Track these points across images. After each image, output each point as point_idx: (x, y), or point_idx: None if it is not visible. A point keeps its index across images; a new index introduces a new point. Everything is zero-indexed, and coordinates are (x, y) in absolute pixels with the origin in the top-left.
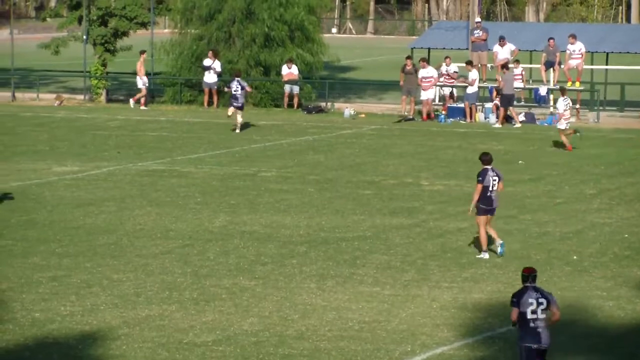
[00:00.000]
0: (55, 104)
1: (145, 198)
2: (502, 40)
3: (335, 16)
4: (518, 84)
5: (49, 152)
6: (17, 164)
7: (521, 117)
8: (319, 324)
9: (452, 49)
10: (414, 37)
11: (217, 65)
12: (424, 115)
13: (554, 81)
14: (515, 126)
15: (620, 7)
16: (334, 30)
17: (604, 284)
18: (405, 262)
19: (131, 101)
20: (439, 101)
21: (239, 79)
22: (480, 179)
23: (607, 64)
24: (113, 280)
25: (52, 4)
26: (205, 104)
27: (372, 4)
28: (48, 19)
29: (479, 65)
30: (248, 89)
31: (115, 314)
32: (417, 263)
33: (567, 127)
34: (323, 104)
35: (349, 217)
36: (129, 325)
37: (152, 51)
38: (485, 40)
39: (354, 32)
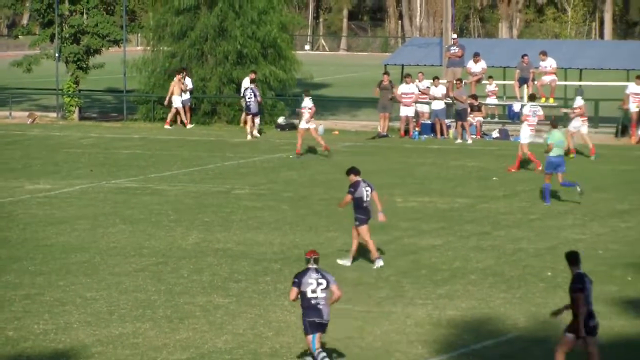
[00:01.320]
0: (28, 122)
1: (118, 216)
2: (476, 57)
3: (309, 33)
4: (492, 100)
5: (22, 170)
6: None
7: (495, 134)
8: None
9: (425, 65)
10: (387, 53)
11: (188, 82)
12: (402, 132)
13: (527, 98)
14: (467, 142)
15: (594, 24)
16: (307, 47)
17: None
18: (379, 278)
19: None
20: (414, 118)
21: (252, 86)
22: (352, 190)
23: (580, 80)
24: (86, 299)
25: (24, 21)
26: (179, 121)
27: (345, 21)
28: (20, 37)
29: (454, 82)
30: (259, 98)
31: (89, 332)
32: (391, 280)
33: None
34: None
35: (322, 234)
36: (103, 344)
37: (125, 69)
38: (460, 57)
39: (327, 49)
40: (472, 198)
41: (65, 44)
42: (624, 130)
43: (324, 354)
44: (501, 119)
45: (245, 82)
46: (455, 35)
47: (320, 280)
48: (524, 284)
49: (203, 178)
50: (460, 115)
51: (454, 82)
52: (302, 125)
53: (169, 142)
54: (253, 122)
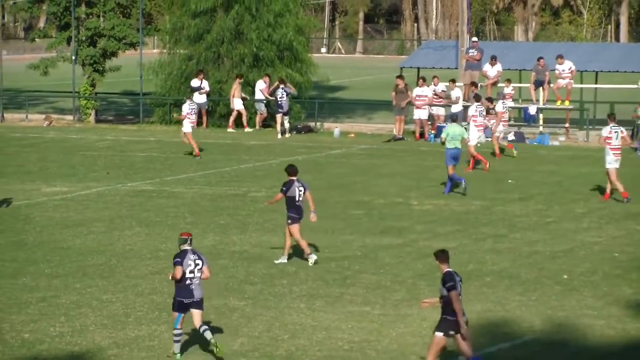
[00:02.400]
0: (45, 125)
1: (134, 218)
2: (493, 60)
3: (325, 36)
4: (508, 102)
5: (38, 172)
6: (6, 184)
7: (511, 137)
8: (309, 344)
9: (441, 68)
10: (403, 56)
11: (205, 85)
12: (417, 135)
13: (543, 100)
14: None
15: (610, 26)
16: (323, 50)
17: (595, 303)
18: (395, 281)
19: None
20: (429, 120)
21: (283, 85)
22: (285, 189)
23: (596, 83)
24: (102, 301)
25: (41, 24)
26: (195, 124)
27: (361, 23)
28: (37, 40)
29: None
30: (293, 90)
31: (105, 334)
32: (407, 282)
33: (502, 136)
34: (312, 124)
35: (338, 237)
36: (119, 346)
37: (141, 72)
38: (479, 60)
39: (343, 51)
40: (487, 200)
41: (81, 47)
42: None
43: (205, 326)
44: (517, 122)
45: (259, 85)
46: (475, 39)
47: (197, 261)
48: (539, 287)
49: (219, 181)
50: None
51: (469, 86)
52: (187, 129)
53: (185, 145)
54: (283, 121)
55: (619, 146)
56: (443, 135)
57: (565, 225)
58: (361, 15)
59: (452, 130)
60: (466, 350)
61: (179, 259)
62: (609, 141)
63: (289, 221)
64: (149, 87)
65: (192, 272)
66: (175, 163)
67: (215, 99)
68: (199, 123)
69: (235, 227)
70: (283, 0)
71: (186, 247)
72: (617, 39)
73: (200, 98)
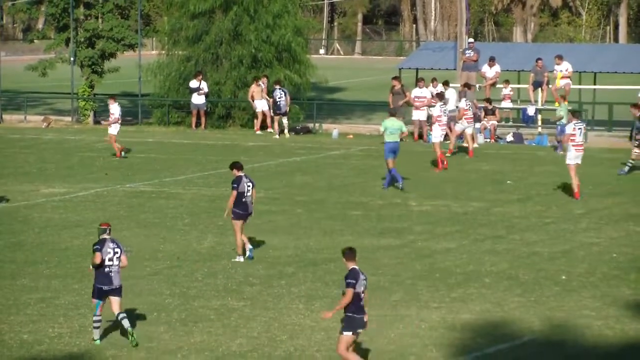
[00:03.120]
0: (43, 126)
1: (133, 219)
2: (491, 61)
3: (323, 37)
4: (507, 103)
5: (37, 173)
6: (5, 185)
7: (509, 137)
8: (308, 344)
9: (440, 69)
10: (402, 57)
11: (204, 86)
12: (415, 136)
13: (541, 101)
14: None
15: (608, 27)
16: (322, 51)
17: (593, 303)
18: (394, 282)
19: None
20: (427, 121)
21: (279, 87)
22: (235, 185)
23: (595, 84)
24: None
25: (40, 25)
26: (193, 125)
27: (359, 24)
28: (35, 41)
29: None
30: (289, 97)
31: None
32: (406, 283)
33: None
34: (311, 125)
35: (337, 238)
36: (117, 347)
37: (140, 73)
38: (476, 60)
39: (341, 52)
40: (486, 202)
41: (80, 48)
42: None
43: (123, 314)
44: (515, 123)
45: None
46: (472, 39)
47: (116, 250)
48: (538, 288)
49: (218, 182)
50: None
51: (462, 86)
52: (112, 130)
53: (184, 146)
54: (280, 121)
55: (582, 142)
56: (381, 129)
57: (563, 226)
58: (360, 16)
59: (390, 124)
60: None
61: (98, 247)
62: (573, 138)
63: (233, 216)
64: (148, 88)
65: (111, 259)
66: (174, 164)
67: (214, 100)
68: (197, 124)
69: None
70: (282, 2)
71: (105, 236)
72: (616, 40)
73: (198, 99)
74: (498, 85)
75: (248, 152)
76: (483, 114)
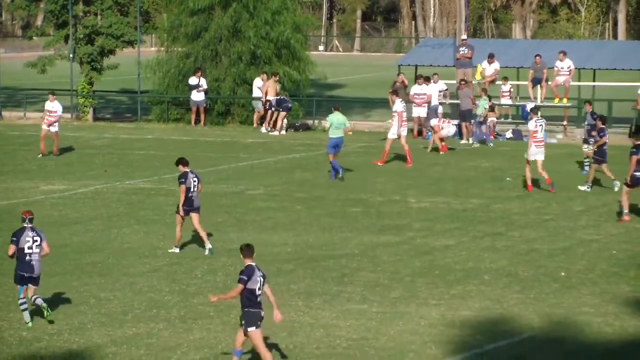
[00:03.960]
0: (43, 123)
1: (132, 216)
2: (490, 58)
3: (322, 34)
4: (506, 100)
5: (36, 170)
6: (4, 182)
7: (508, 134)
8: (307, 341)
9: (439, 65)
10: (401, 54)
11: (203, 83)
12: (415, 132)
13: (541, 98)
14: (473, 144)
15: (607, 24)
16: (321, 47)
17: (592, 300)
18: (393, 279)
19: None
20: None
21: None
22: (183, 180)
23: (594, 81)
24: (100, 299)
25: (39, 22)
26: (193, 122)
27: (358, 21)
28: (34, 38)
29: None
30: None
31: (103, 332)
32: (405, 280)
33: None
34: (310, 122)
35: (336, 235)
36: (117, 344)
37: (139, 70)
38: (470, 57)
39: (340, 49)
40: (485, 198)
41: (79, 45)
42: (637, 130)
43: (37, 295)
44: (514, 120)
45: (257, 82)
46: (464, 36)
47: (36, 238)
48: (537, 285)
49: (217, 179)
50: (464, 116)
51: (460, 82)
52: (52, 128)
53: (183, 143)
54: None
55: (542, 138)
56: (327, 124)
57: (563, 223)
58: (359, 13)
59: (335, 119)
60: (239, 342)
61: (15, 238)
62: (535, 135)
63: (177, 209)
64: (147, 85)
65: (30, 248)
66: (173, 161)
67: (213, 97)
68: (197, 121)
69: (233, 225)
70: None
71: (25, 225)
72: (615, 36)
73: (198, 96)
74: (497, 82)
75: (247, 148)
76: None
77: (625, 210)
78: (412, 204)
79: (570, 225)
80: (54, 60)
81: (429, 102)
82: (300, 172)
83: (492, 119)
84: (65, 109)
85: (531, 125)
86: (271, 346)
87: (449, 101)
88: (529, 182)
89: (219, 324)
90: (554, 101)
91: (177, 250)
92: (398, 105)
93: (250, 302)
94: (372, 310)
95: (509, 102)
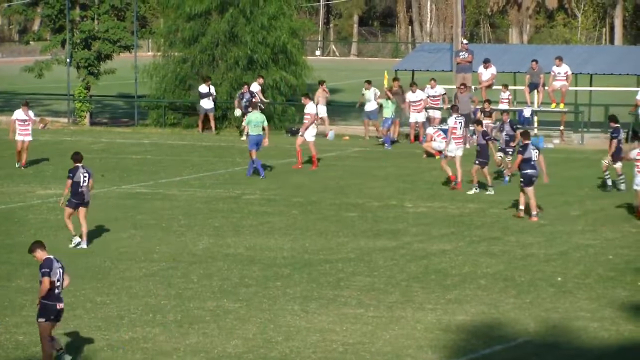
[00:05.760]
0: (39, 127)
1: (129, 221)
2: (486, 63)
3: (319, 39)
4: (505, 106)
5: (33, 175)
6: (1, 187)
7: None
8: (303, 346)
9: (435, 70)
10: (398, 59)
11: (212, 91)
12: (412, 138)
13: (538, 103)
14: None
15: (604, 29)
16: (318, 52)
17: (589, 305)
18: (389, 284)
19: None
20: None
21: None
22: (71, 175)
23: (591, 86)
24: (96, 303)
25: (36, 27)
26: (200, 129)
27: (355, 26)
28: (31, 42)
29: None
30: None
31: (99, 336)
32: (401, 285)
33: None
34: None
35: (332, 239)
36: (113, 348)
37: (136, 74)
38: (470, 62)
39: (337, 54)
40: (482, 203)
41: (76, 50)
42: (634, 135)
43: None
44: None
45: (254, 87)
46: (465, 41)
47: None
48: (534, 289)
49: (213, 183)
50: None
51: (460, 86)
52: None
53: (180, 148)
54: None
55: (462, 135)
56: (244, 123)
57: (559, 228)
58: (355, 18)
59: (254, 117)
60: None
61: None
62: (455, 131)
63: (67, 204)
64: (144, 89)
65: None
66: (170, 165)
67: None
68: (206, 128)
69: (230, 229)
70: (277, 3)
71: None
72: (612, 41)
73: (208, 103)
74: (495, 87)
75: (244, 153)
76: (479, 114)
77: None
78: (409, 209)
79: (566, 230)
80: (51, 64)
81: (426, 107)
82: (296, 177)
83: (487, 122)
84: (62, 114)
85: (451, 121)
86: (269, 349)
87: (447, 106)
88: (450, 174)
89: (215, 329)
90: (550, 106)
91: (79, 239)
92: (310, 107)
93: (49, 294)
94: (368, 314)
95: (507, 107)
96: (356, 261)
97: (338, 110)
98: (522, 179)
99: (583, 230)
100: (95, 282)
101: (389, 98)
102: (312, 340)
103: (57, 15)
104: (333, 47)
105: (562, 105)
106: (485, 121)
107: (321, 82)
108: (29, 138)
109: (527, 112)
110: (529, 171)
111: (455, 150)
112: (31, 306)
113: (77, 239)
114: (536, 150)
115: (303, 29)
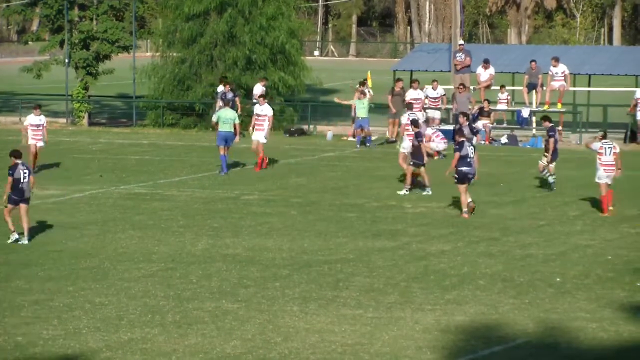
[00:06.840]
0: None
1: (127, 221)
2: (485, 64)
3: (318, 39)
4: (503, 107)
5: None
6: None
7: (503, 139)
8: (302, 346)
9: (434, 71)
10: (396, 59)
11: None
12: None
13: (536, 103)
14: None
15: (603, 30)
16: (317, 52)
17: (587, 305)
18: (388, 284)
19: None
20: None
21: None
22: (11, 172)
23: (589, 86)
24: (95, 304)
25: (34, 27)
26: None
27: (354, 26)
28: (30, 43)
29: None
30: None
31: (98, 337)
32: (400, 285)
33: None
34: (305, 127)
35: (331, 240)
36: (111, 349)
37: (134, 75)
38: (469, 66)
39: (336, 54)
40: (480, 204)
41: (74, 50)
42: (632, 135)
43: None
44: (510, 125)
45: (257, 89)
46: (462, 42)
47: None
48: (532, 290)
49: (212, 184)
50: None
51: (458, 87)
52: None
53: (178, 148)
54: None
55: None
56: (214, 119)
57: (558, 228)
58: (354, 18)
59: (223, 114)
60: None
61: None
62: (407, 128)
63: (8, 201)
64: (142, 90)
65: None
66: (169, 166)
67: (208, 101)
68: None
69: (229, 230)
70: (276, 4)
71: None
72: (610, 42)
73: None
74: (493, 88)
75: (242, 154)
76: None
77: None
78: (408, 209)
79: (565, 230)
80: (50, 65)
81: (425, 108)
82: (295, 177)
83: (485, 122)
84: (61, 114)
85: (404, 119)
86: (268, 350)
87: (445, 106)
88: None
89: (213, 329)
90: (543, 107)
91: (17, 235)
92: (266, 108)
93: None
94: (367, 315)
95: (506, 108)
96: (355, 262)
97: (337, 110)
98: (455, 176)
99: (582, 230)
100: (94, 283)
101: (360, 98)
102: (311, 341)
103: (56, 16)
104: (332, 47)
105: (559, 106)
106: (484, 121)
107: (361, 83)
108: (41, 143)
109: (525, 113)
110: (464, 168)
111: (407, 147)
112: (30, 307)
113: (15, 235)
114: (472, 148)
115: (302, 29)
